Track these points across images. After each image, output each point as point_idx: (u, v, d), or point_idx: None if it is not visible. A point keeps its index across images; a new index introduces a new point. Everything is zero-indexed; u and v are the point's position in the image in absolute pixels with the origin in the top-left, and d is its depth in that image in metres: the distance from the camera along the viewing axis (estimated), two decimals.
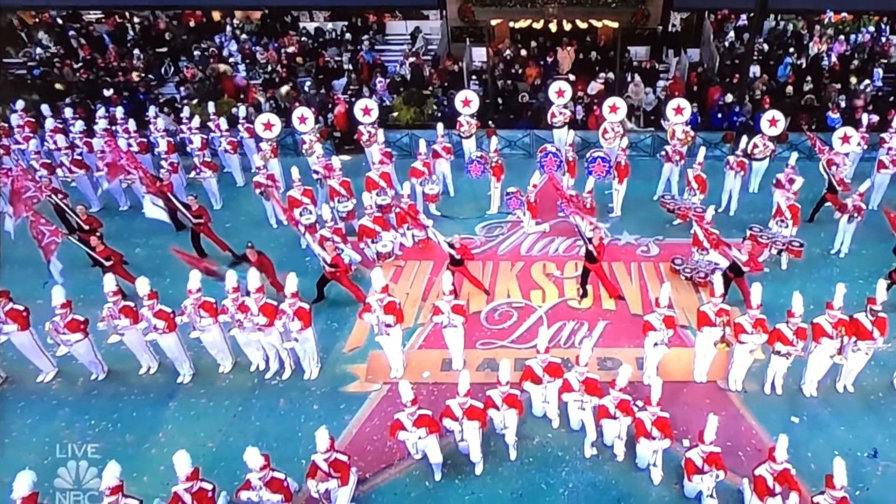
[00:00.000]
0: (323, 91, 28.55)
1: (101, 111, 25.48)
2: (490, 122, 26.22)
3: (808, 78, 27.31)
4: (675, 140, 22.70)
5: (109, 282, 14.62)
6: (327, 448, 11.49)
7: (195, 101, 27.60)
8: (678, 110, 23.55)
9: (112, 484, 10.68)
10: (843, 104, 25.81)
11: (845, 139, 21.69)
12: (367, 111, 24.00)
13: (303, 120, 23.39)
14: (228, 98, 28.25)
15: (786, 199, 18.94)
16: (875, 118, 23.86)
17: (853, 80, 27.23)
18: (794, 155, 20.70)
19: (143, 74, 30.49)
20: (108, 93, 28.09)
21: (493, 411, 12.78)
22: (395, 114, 27.46)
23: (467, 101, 24.54)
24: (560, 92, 25.01)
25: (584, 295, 17.98)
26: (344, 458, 11.80)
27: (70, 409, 14.62)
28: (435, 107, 27.63)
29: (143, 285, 14.57)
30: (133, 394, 14.87)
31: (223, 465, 13.01)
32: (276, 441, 13.35)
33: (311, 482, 11.55)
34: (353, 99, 26.55)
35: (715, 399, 14.51)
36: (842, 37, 30.03)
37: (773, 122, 22.57)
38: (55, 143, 23.19)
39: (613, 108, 23.74)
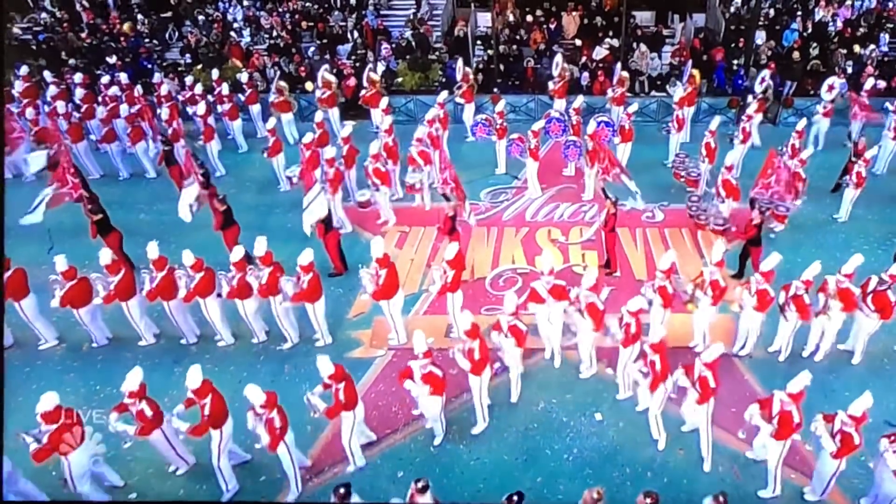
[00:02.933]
0: (327, 57, 28.43)
1: (104, 78, 25.49)
2: (495, 89, 26.11)
3: (814, 44, 27.19)
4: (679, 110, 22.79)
5: (105, 256, 14.74)
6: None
7: (199, 67, 27.53)
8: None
9: (133, 388, 11.43)
10: (849, 69, 25.71)
11: (830, 88, 22.57)
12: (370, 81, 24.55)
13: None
14: (234, 63, 28.17)
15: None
16: (882, 84, 23.78)
17: (856, 48, 27.01)
18: (803, 121, 20.76)
19: (136, 28, 30.58)
20: (111, 59, 28.00)
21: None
22: (400, 79, 27.36)
23: (466, 75, 24.83)
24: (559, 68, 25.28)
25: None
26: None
27: (75, 375, 14.70)
28: (441, 72, 27.52)
29: (153, 250, 14.66)
30: (138, 359, 14.87)
31: None
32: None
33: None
34: (358, 64, 26.63)
35: (720, 365, 14.49)
36: (848, 2, 29.77)
37: (762, 81, 23.66)
38: (55, 109, 23.16)
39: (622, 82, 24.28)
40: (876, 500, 11.62)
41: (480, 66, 28.05)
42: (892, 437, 10.91)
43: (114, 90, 24.39)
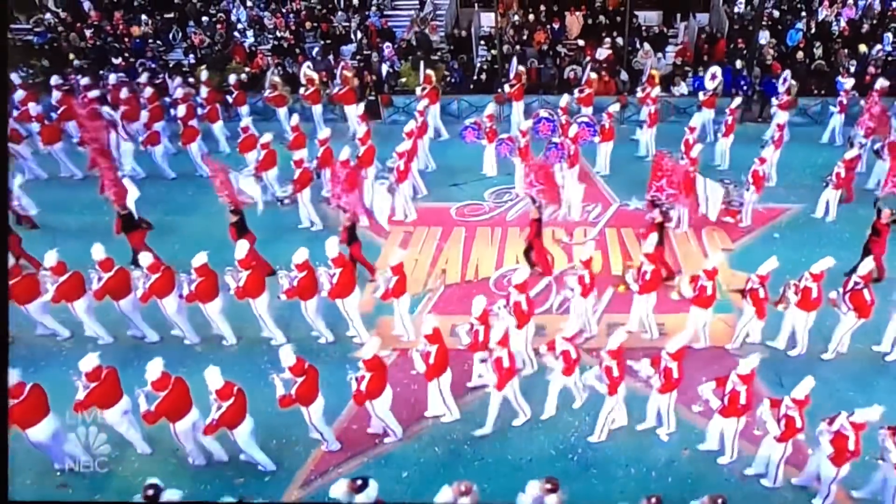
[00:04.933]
0: (331, 57, 28.45)
1: (84, 80, 25.46)
2: (499, 89, 26.15)
3: (818, 43, 27.22)
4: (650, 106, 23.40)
5: (50, 258, 14.81)
6: None
7: (203, 67, 27.58)
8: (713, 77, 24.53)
9: (89, 370, 11.92)
10: (852, 69, 25.72)
11: (784, 81, 23.53)
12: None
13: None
14: (237, 64, 28.26)
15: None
16: (886, 83, 23.80)
17: (861, 47, 27.02)
18: (784, 115, 21.79)
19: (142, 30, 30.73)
20: (116, 60, 28.08)
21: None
22: (403, 79, 27.39)
23: (428, 77, 24.82)
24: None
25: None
26: None
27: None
28: (446, 73, 27.55)
29: (98, 251, 14.85)
30: (142, 360, 14.80)
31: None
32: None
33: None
34: (362, 65, 26.71)
35: (724, 364, 14.44)
36: (851, 1, 29.77)
37: (713, 77, 24.13)
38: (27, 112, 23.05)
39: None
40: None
41: (484, 66, 28.09)
42: (831, 420, 11.17)
43: (94, 92, 24.28)
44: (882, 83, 22.88)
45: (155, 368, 11.78)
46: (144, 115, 23.42)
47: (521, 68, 25.81)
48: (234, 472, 12.74)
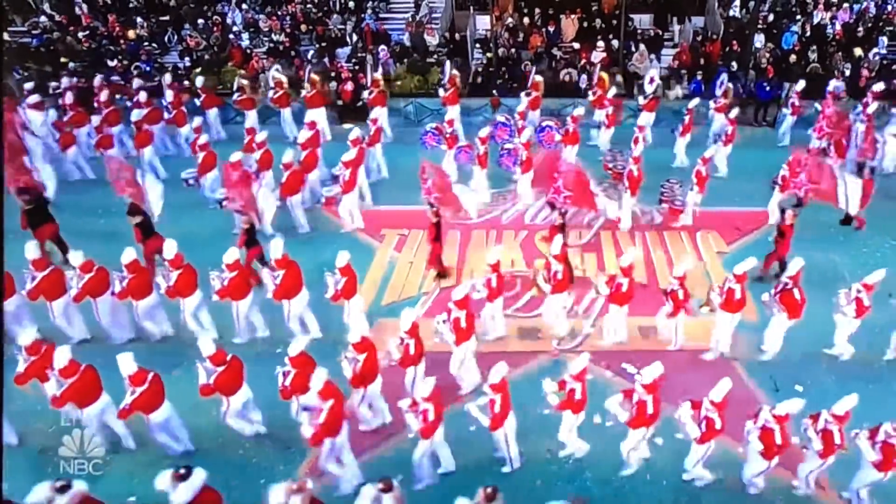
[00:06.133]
0: (326, 60, 28.45)
1: (28, 84, 25.16)
2: (494, 91, 26.20)
3: (813, 47, 27.28)
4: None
5: None
6: None
7: (198, 70, 27.56)
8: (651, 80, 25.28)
9: (27, 343, 12.22)
10: (847, 72, 25.78)
11: (720, 85, 24.34)
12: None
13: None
14: (233, 66, 28.26)
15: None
16: (881, 86, 23.88)
17: (857, 50, 27.08)
18: (734, 111, 22.35)
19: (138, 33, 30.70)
20: (111, 63, 28.03)
21: None
22: (399, 82, 27.40)
23: (376, 81, 25.04)
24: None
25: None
26: None
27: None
28: (440, 75, 27.56)
29: (32, 250, 14.84)
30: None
31: (227, 433, 13.11)
32: (276, 408, 13.28)
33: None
34: (357, 68, 26.75)
35: (718, 369, 14.48)
36: (846, 5, 29.83)
37: (651, 81, 24.92)
38: None
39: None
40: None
41: (479, 69, 28.12)
42: (756, 418, 11.50)
43: (34, 97, 23.76)
44: (835, 85, 23.57)
45: (62, 356, 11.99)
46: (97, 119, 23.13)
47: (455, 72, 25.72)
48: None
